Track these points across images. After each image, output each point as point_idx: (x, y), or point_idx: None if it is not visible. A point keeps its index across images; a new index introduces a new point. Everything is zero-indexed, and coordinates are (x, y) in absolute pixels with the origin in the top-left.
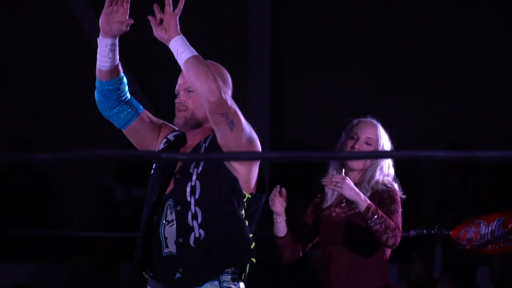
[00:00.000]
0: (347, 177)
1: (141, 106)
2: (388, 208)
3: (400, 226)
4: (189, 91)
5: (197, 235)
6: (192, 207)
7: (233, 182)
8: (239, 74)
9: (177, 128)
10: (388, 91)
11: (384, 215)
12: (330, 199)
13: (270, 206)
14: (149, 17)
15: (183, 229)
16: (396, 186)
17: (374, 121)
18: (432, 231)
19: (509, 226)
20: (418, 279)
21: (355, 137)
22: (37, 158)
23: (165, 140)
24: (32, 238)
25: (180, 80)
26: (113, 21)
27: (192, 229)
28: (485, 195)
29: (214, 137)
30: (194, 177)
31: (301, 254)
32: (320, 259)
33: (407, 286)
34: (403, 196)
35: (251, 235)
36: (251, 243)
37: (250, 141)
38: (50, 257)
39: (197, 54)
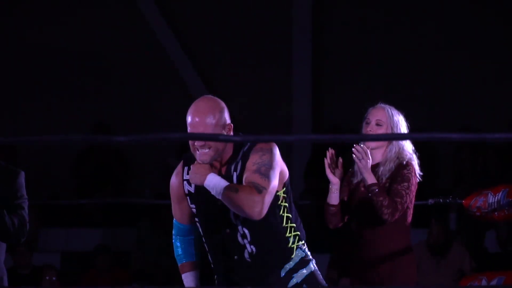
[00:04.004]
0: (370, 159)
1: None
2: (396, 186)
3: (403, 204)
4: None
5: (249, 250)
6: (240, 228)
7: None
8: (284, 71)
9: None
10: (411, 80)
11: (381, 196)
12: (359, 175)
13: (326, 175)
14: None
15: (236, 248)
16: (415, 162)
17: (383, 105)
18: (447, 200)
19: None
20: (436, 241)
21: (368, 122)
22: (114, 140)
23: (185, 182)
24: (111, 206)
25: (190, 129)
26: None
27: (244, 247)
28: (492, 170)
29: (242, 164)
30: None
31: (342, 223)
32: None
33: (426, 247)
34: (421, 173)
35: (294, 220)
36: (296, 232)
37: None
38: (122, 222)
39: (225, 185)
